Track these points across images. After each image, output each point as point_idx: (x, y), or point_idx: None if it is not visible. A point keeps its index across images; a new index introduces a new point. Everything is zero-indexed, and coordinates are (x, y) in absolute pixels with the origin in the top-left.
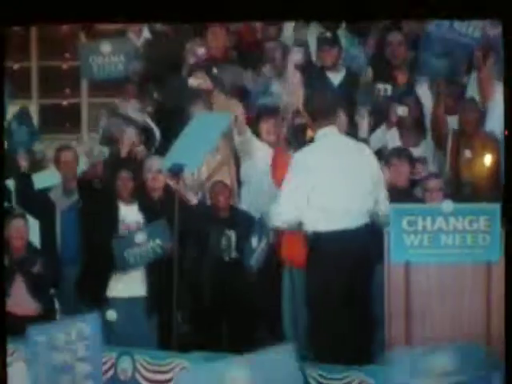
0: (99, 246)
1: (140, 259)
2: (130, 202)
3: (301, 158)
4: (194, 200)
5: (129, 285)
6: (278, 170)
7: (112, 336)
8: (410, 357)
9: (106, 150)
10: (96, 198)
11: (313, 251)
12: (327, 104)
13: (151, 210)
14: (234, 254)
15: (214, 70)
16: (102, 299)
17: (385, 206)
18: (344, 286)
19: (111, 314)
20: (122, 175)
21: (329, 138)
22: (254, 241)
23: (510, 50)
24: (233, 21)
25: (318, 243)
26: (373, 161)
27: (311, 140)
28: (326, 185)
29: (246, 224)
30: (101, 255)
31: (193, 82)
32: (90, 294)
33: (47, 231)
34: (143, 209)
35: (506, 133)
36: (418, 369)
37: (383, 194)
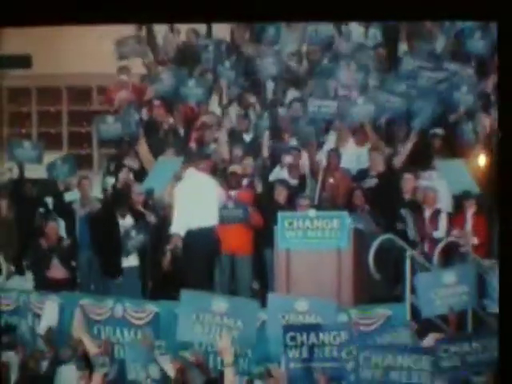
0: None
1: (133, 247)
2: (124, 215)
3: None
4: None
5: (127, 261)
6: None
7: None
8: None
9: (111, 181)
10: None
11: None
12: None
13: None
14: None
15: None
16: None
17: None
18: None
19: (119, 279)
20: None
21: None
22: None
23: (505, 51)
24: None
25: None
26: (216, 188)
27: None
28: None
29: None
30: (111, 245)
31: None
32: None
33: (70, 228)
34: (133, 216)
35: (500, 135)
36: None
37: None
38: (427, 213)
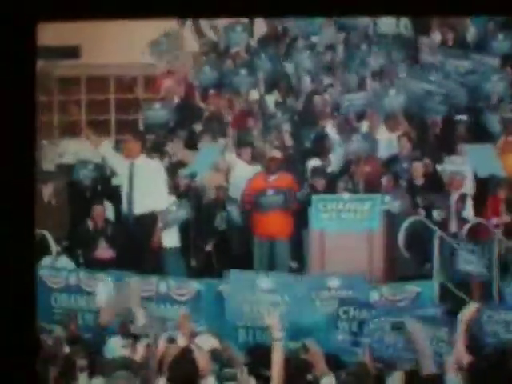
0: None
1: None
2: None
3: None
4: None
5: (171, 241)
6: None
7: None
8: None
9: None
10: None
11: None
12: None
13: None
14: (225, 225)
15: None
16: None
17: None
18: None
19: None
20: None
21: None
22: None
23: None
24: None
25: None
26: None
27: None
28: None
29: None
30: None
31: None
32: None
33: (117, 211)
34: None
35: None
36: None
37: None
38: (454, 196)
